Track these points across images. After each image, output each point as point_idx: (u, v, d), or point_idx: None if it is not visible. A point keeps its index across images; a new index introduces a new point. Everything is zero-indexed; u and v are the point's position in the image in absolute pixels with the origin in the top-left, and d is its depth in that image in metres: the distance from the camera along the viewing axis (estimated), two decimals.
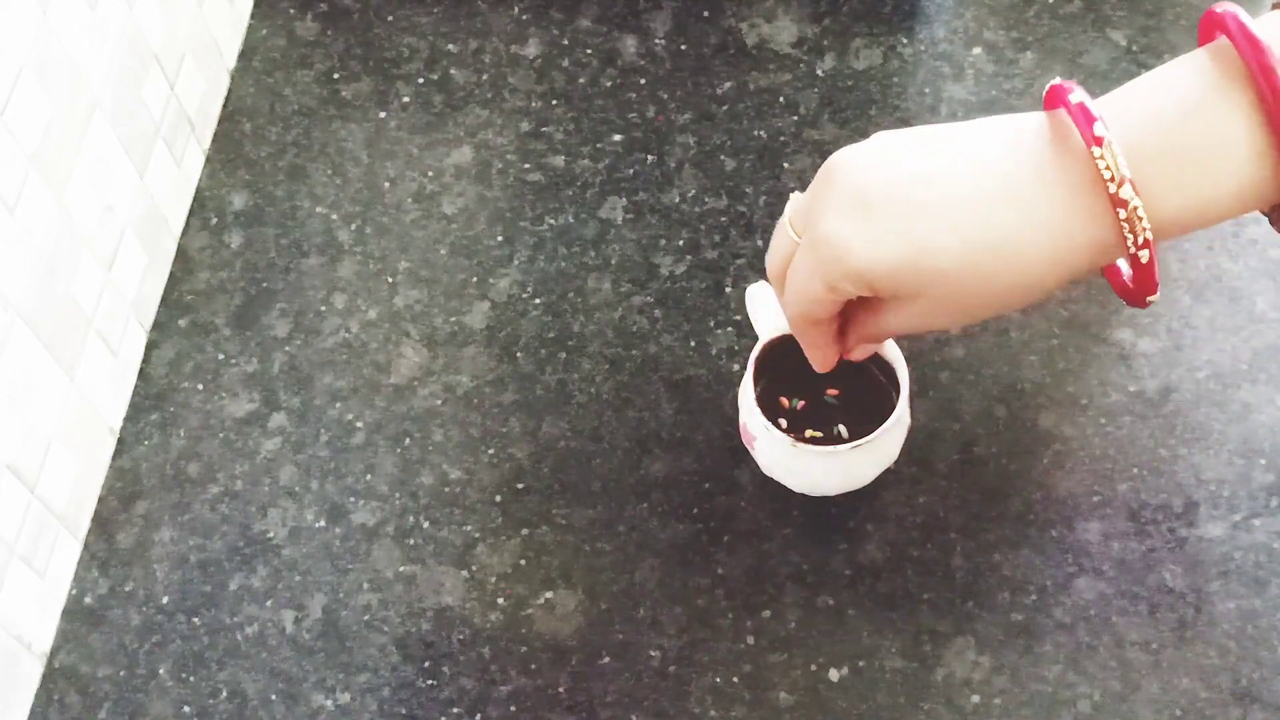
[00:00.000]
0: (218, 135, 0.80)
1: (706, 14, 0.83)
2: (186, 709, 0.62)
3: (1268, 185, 0.46)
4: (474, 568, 0.65)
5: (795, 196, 0.54)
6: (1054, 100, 0.49)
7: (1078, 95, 0.47)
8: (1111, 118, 0.47)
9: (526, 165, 0.78)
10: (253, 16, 0.85)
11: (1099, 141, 0.46)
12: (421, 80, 0.81)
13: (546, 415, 0.69)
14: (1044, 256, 0.48)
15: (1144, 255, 0.47)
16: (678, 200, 0.76)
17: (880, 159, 0.50)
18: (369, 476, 0.68)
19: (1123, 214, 0.46)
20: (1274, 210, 0.50)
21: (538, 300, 0.73)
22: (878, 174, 0.49)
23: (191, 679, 0.63)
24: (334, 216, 0.77)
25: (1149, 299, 0.50)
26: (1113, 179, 0.46)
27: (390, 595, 0.65)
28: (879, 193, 0.49)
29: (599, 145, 0.78)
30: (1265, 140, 0.45)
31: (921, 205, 0.49)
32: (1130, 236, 0.47)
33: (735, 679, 0.62)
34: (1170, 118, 0.47)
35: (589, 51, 0.82)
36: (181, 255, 0.76)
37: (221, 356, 0.72)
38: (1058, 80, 0.49)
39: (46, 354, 0.63)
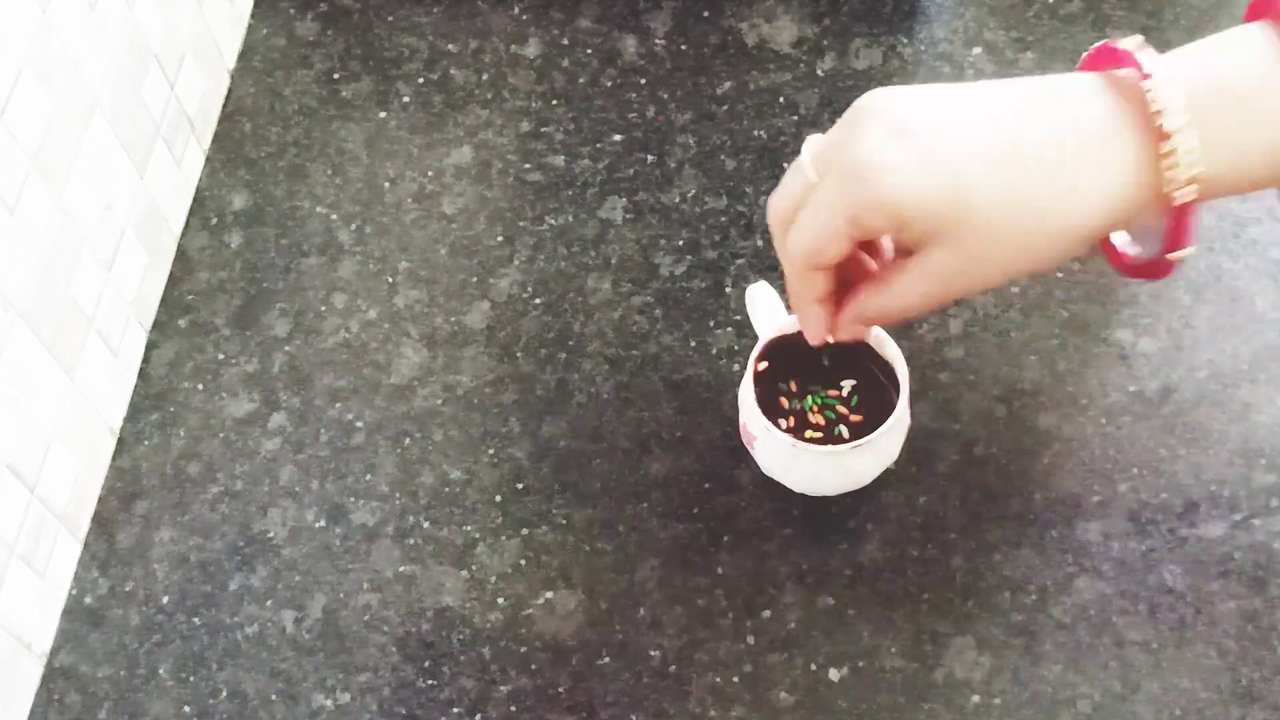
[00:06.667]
0: (218, 135, 0.80)
1: (706, 14, 0.83)
2: (186, 709, 0.62)
3: None
4: (474, 568, 0.65)
5: (814, 139, 0.51)
6: (1096, 60, 0.49)
7: (1127, 43, 0.47)
8: (1161, 63, 0.47)
9: (526, 165, 0.78)
10: (253, 16, 0.85)
11: (1147, 76, 0.46)
12: (421, 80, 0.81)
13: (546, 415, 0.69)
14: (1083, 202, 0.47)
15: (1188, 193, 0.46)
16: (678, 200, 0.76)
17: (919, 95, 0.49)
18: (369, 476, 0.68)
19: (1166, 146, 0.45)
20: None
21: (538, 300, 0.73)
22: (918, 104, 0.48)
23: (191, 679, 0.63)
24: (334, 216, 0.77)
25: (1180, 254, 0.49)
26: (1159, 111, 0.45)
27: (390, 595, 0.65)
28: (920, 120, 0.47)
29: (599, 145, 0.78)
30: None
31: (961, 137, 0.47)
32: (1171, 174, 0.46)
33: (735, 679, 0.62)
34: (1224, 72, 0.46)
35: (589, 51, 0.82)
36: (181, 255, 0.76)
37: (221, 356, 0.72)
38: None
39: (46, 354, 0.63)
